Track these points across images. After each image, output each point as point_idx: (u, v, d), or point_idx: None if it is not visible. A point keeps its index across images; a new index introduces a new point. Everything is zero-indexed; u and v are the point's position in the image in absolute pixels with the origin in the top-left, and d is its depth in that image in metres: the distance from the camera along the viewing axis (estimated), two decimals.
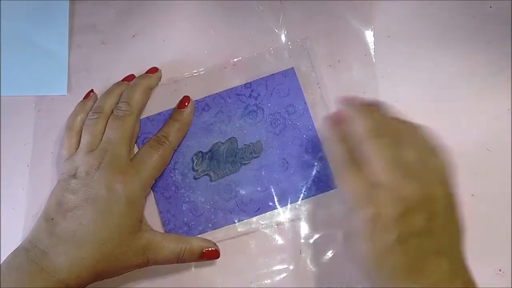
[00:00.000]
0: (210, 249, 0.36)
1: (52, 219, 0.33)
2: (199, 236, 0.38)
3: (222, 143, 0.39)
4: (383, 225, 0.28)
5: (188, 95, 0.39)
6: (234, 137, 0.39)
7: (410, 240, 0.28)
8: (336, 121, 0.33)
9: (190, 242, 0.36)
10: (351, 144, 0.31)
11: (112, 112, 0.37)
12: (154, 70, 0.40)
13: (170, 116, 0.39)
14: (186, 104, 0.39)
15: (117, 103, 0.38)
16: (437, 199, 0.30)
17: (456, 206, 0.32)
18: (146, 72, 0.40)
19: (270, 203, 0.38)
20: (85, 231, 0.33)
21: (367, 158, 0.30)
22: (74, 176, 0.35)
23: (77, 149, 0.37)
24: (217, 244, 0.37)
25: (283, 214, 0.38)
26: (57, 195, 0.35)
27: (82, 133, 0.37)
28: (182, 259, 0.35)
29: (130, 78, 0.40)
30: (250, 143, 0.39)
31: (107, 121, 0.37)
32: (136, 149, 0.39)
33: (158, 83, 0.40)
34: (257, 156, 0.39)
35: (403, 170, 0.29)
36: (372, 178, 0.29)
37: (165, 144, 0.37)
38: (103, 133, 0.36)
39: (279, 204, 0.38)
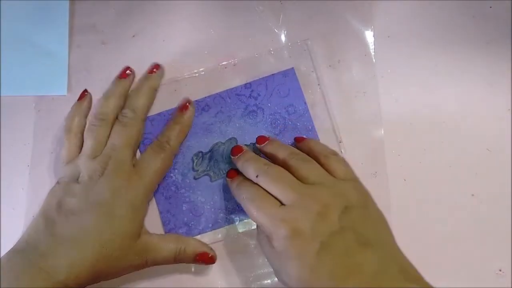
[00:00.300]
0: (203, 252, 0.36)
1: (52, 219, 0.33)
2: (199, 236, 0.38)
3: (222, 143, 0.39)
4: (304, 237, 0.29)
5: (188, 95, 0.39)
6: (234, 137, 0.39)
7: (333, 240, 0.28)
8: (232, 175, 0.36)
9: (186, 243, 0.36)
10: (250, 183, 0.34)
11: (117, 118, 0.37)
12: (156, 67, 0.39)
13: (171, 118, 0.39)
14: (187, 105, 0.39)
15: (122, 108, 0.37)
16: (346, 192, 0.31)
17: (369, 195, 0.32)
18: (148, 70, 0.39)
19: None
20: (86, 233, 0.33)
21: (267, 189, 0.32)
22: (76, 180, 0.34)
23: (78, 151, 0.36)
24: (217, 243, 0.37)
25: None
26: (57, 196, 0.34)
27: (85, 137, 0.37)
28: (178, 259, 0.35)
29: (125, 75, 0.39)
30: (250, 143, 0.39)
31: (111, 126, 0.36)
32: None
33: (161, 80, 0.40)
34: None
35: (303, 184, 0.31)
36: (277, 203, 0.31)
37: (166, 148, 0.37)
38: (107, 139, 0.36)
39: None
